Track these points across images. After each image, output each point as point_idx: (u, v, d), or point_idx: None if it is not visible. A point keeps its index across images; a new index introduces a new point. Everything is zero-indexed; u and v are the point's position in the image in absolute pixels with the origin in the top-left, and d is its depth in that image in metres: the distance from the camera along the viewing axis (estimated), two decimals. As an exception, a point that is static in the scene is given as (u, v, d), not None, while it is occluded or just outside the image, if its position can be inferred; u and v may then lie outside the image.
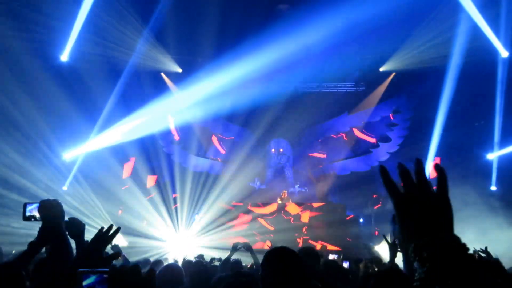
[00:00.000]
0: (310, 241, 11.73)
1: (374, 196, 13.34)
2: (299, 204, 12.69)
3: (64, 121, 12.03)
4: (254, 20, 11.67)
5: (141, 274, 1.51)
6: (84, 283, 1.53)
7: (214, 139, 14.87)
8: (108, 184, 12.73)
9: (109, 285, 1.51)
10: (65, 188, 12.49)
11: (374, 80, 13.73)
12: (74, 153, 12.59)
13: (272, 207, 12.56)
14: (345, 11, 10.62)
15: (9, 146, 11.23)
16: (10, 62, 10.83)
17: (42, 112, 11.51)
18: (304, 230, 12.13)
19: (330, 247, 11.06)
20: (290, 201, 13.01)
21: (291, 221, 12.24)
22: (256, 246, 11.43)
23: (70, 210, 10.54)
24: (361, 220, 13.45)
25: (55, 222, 2.26)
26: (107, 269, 1.56)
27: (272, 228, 12.15)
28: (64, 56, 11.68)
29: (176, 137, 14.47)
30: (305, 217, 12.19)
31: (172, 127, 14.37)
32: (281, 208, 12.40)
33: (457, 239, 0.94)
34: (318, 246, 11.00)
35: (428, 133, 12.82)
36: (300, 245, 11.51)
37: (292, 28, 11.95)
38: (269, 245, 11.39)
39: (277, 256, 2.06)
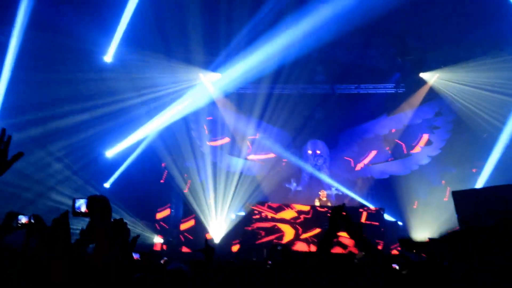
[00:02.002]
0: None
1: (416, 202, 13.05)
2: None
3: (106, 119, 12.37)
4: (290, 17, 11.54)
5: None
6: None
7: (250, 139, 14.88)
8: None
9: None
10: (107, 185, 12.86)
11: (415, 81, 13.34)
12: (115, 150, 12.93)
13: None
14: (387, 12, 10.39)
15: (53, 144, 11.68)
16: (55, 63, 11.23)
17: (86, 110, 11.91)
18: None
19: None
20: (329, 203, 12.89)
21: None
22: (297, 247, 11.43)
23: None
24: (400, 223, 13.14)
25: (102, 218, 2.31)
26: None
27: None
28: (108, 57, 11.99)
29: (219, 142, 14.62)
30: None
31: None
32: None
33: None
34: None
35: (472, 136, 12.42)
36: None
37: (330, 27, 11.81)
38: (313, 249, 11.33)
39: None
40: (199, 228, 13.39)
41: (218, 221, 13.73)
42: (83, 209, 2.61)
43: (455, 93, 12.53)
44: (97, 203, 2.36)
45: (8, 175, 2.03)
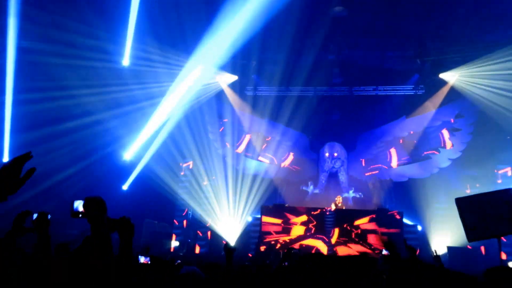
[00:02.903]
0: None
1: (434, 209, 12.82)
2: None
3: (125, 122, 12.60)
4: (307, 22, 11.51)
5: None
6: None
7: (268, 141, 14.90)
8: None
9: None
10: (125, 187, 13.08)
11: (434, 83, 13.09)
12: (133, 152, 13.12)
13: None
14: (406, 13, 10.27)
15: (72, 145, 11.96)
16: (77, 67, 11.52)
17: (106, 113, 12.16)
18: (353, 235, 11.92)
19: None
20: (344, 207, 12.84)
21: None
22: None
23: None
24: (419, 228, 12.91)
25: (98, 219, 2.39)
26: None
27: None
28: (126, 61, 12.19)
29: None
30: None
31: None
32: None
33: None
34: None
35: (495, 138, 12.12)
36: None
37: (347, 30, 11.74)
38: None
39: None
40: (214, 232, 13.54)
41: (234, 224, 13.80)
42: (80, 209, 2.68)
43: (478, 92, 12.13)
44: (93, 203, 2.43)
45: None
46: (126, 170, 13.06)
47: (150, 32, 11.49)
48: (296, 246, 11.57)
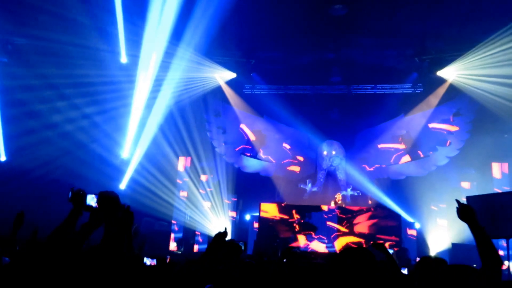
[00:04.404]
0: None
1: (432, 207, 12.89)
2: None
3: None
4: (307, 21, 11.45)
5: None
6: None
7: (266, 140, 14.89)
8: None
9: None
10: (122, 186, 12.98)
11: (433, 81, 13.11)
12: (129, 151, 12.98)
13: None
14: (406, 12, 10.26)
15: (68, 145, 11.90)
16: (69, 67, 11.41)
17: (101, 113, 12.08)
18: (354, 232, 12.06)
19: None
20: (344, 205, 12.91)
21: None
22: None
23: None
24: (417, 225, 12.97)
25: (111, 213, 2.40)
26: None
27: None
28: (123, 58, 12.00)
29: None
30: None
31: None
32: None
33: None
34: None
35: (493, 137, 12.17)
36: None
37: (346, 27, 11.69)
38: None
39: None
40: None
41: (231, 222, 13.81)
42: (93, 204, 2.64)
43: (476, 84, 11.98)
44: (108, 199, 2.41)
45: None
46: (121, 168, 12.91)
47: (141, 23, 11.20)
48: (296, 245, 11.62)
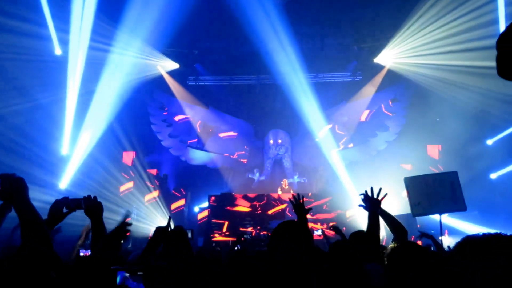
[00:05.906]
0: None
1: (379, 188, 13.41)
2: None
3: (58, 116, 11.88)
4: (249, 11, 11.48)
5: None
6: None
7: (212, 131, 14.83)
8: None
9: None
10: (62, 186, 12.31)
11: (371, 68, 13.65)
12: (69, 147, 12.31)
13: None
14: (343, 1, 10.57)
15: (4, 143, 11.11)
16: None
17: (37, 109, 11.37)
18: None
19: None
20: (291, 191, 13.15)
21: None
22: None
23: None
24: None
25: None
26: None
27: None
28: (58, 50, 11.40)
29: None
30: None
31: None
32: None
33: None
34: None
35: (427, 121, 12.87)
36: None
37: (290, 18, 11.85)
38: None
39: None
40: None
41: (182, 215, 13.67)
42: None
43: (412, 69, 12.53)
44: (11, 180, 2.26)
45: None
46: (59, 165, 12.15)
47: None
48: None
